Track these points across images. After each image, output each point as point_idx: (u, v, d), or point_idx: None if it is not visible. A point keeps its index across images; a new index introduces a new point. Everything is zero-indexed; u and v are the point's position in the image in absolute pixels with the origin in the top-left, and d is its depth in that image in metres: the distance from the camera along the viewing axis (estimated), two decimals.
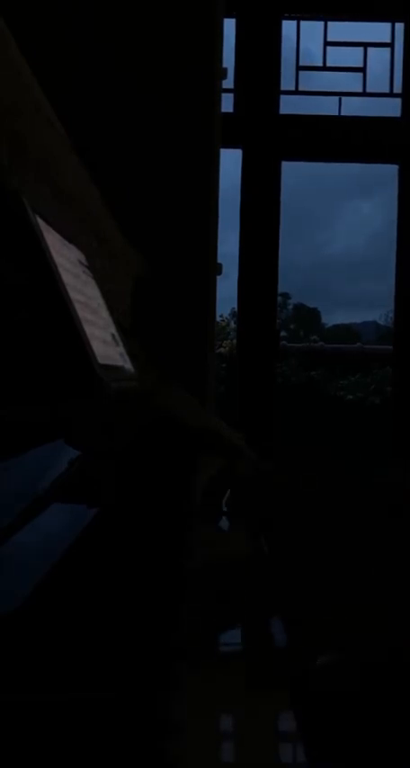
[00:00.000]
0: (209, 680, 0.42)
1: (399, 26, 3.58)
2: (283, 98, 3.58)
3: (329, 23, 3.63)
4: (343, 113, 3.66)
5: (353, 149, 3.61)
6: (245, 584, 0.62)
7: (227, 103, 3.41)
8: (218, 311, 2.87)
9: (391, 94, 3.62)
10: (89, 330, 0.90)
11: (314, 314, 18.85)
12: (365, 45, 3.65)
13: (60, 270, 0.87)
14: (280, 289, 3.60)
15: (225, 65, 2.71)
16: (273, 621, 0.52)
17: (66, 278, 0.89)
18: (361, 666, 1.03)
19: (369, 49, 3.65)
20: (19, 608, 0.44)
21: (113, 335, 1.18)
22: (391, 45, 3.60)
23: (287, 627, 0.51)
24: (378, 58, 3.62)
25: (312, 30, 3.62)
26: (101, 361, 0.91)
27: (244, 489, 1.17)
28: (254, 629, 0.51)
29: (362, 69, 3.65)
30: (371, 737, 0.90)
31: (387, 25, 3.60)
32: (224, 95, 2.77)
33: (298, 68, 3.64)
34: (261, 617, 0.53)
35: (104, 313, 1.17)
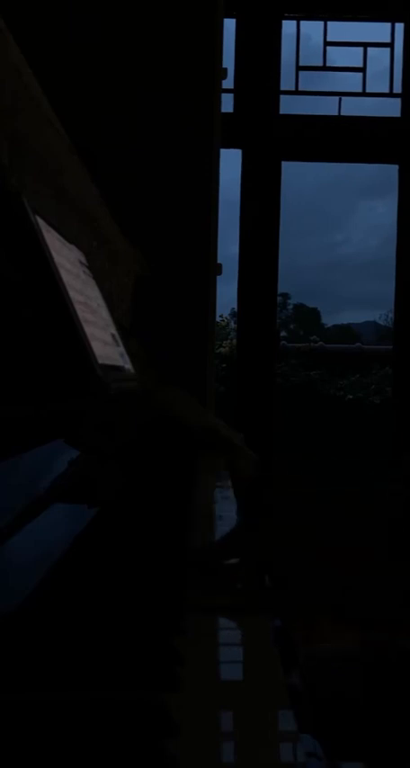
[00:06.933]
0: (208, 677, 0.42)
1: (399, 26, 3.57)
2: (283, 98, 3.58)
3: (329, 23, 3.63)
4: (342, 113, 3.66)
5: (353, 149, 3.60)
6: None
7: (227, 103, 3.41)
8: (218, 311, 2.87)
9: (391, 94, 3.62)
10: (89, 330, 0.90)
11: (314, 314, 18.84)
12: (365, 45, 3.64)
13: (60, 270, 0.87)
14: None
15: (225, 65, 2.71)
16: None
17: (67, 278, 0.89)
18: (365, 665, 1.03)
19: (369, 49, 3.65)
20: (19, 608, 0.44)
21: (113, 335, 1.18)
22: (391, 45, 3.60)
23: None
24: (379, 58, 3.62)
25: (312, 30, 3.63)
26: (101, 361, 0.91)
27: (244, 489, 1.17)
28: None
29: (362, 69, 3.65)
30: (374, 737, 0.90)
31: (387, 25, 3.60)
32: (224, 95, 2.77)
33: (298, 68, 3.63)
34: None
35: (104, 313, 1.17)
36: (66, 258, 0.96)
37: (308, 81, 3.70)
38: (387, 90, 3.64)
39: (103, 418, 0.95)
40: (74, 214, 1.30)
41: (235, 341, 4.43)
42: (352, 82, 3.69)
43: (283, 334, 13.37)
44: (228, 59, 3.27)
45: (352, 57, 3.74)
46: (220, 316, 6.78)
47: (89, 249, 1.34)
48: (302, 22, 3.58)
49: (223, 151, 2.67)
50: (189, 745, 0.33)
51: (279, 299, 4.07)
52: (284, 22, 3.56)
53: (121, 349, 1.22)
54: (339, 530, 3.20)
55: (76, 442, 0.76)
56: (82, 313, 0.90)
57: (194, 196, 2.51)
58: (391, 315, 4.22)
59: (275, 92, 3.56)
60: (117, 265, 1.81)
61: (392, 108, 3.61)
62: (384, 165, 3.69)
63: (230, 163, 3.36)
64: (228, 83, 3.28)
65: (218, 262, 2.64)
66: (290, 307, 18.90)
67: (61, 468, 0.67)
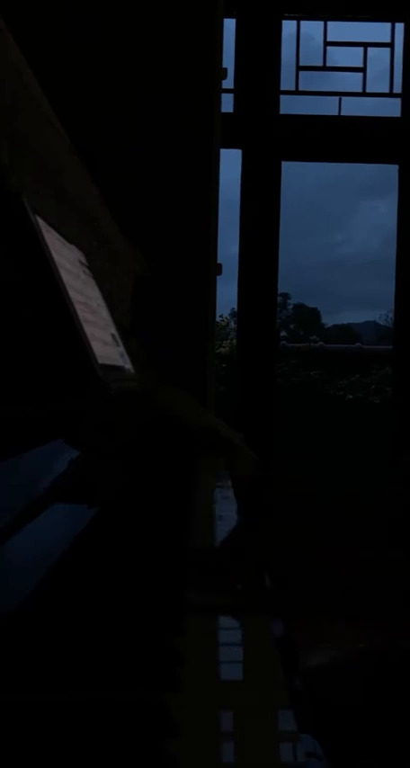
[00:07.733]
0: (208, 677, 0.42)
1: (399, 26, 3.57)
2: (283, 98, 3.58)
3: (329, 23, 3.63)
4: (343, 113, 3.66)
5: (353, 149, 3.60)
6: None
7: (227, 103, 3.41)
8: (218, 311, 2.87)
9: (391, 94, 3.62)
10: (89, 330, 0.90)
11: (314, 314, 18.87)
12: (365, 45, 3.64)
13: (60, 270, 0.87)
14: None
15: (225, 65, 2.71)
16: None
17: (67, 278, 0.89)
18: (365, 665, 1.03)
19: (370, 49, 3.65)
20: (19, 608, 0.44)
21: (113, 335, 1.18)
22: (391, 45, 3.60)
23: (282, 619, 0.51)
24: (379, 58, 3.62)
25: (312, 30, 3.63)
26: (101, 361, 0.91)
27: (244, 489, 1.17)
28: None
29: (362, 69, 3.65)
30: (374, 737, 0.90)
31: (388, 25, 3.60)
32: (224, 95, 2.77)
33: (299, 68, 3.63)
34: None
35: (104, 313, 1.17)
36: (66, 258, 0.96)
37: (309, 81, 3.70)
38: (387, 90, 3.64)
39: (103, 418, 0.95)
40: (74, 214, 1.30)
41: (235, 341, 4.43)
42: (353, 82, 3.70)
43: (283, 334, 13.38)
44: (228, 59, 3.27)
45: (353, 57, 3.74)
46: (220, 316, 6.78)
47: (89, 249, 1.34)
48: (302, 22, 3.58)
49: (223, 151, 2.67)
50: (189, 745, 0.33)
51: (279, 299, 4.07)
52: (284, 22, 3.56)
53: (121, 349, 1.22)
54: (339, 530, 3.20)
55: (76, 442, 0.76)
56: (82, 313, 0.90)
57: (194, 196, 2.51)
58: (391, 315, 4.23)
59: (275, 92, 3.56)
60: (117, 265, 1.81)
61: (392, 108, 3.62)
62: (384, 165, 3.68)
63: (230, 163, 3.36)
64: (228, 83, 3.28)
65: (218, 262, 2.64)
66: (290, 307, 18.93)
67: (61, 468, 0.67)
